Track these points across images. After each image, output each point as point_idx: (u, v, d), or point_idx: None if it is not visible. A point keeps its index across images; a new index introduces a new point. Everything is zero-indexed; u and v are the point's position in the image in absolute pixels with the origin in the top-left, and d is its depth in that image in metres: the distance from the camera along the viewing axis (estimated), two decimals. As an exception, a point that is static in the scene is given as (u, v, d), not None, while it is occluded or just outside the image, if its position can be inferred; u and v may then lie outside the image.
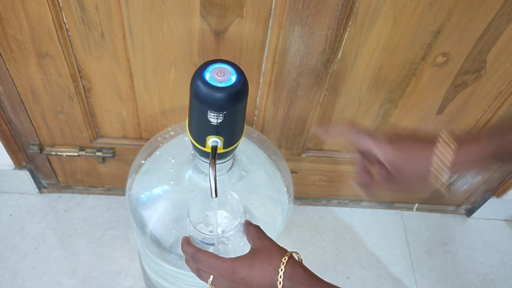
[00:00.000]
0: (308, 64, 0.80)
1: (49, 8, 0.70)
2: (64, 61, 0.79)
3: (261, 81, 0.84)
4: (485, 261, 1.18)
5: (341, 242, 1.17)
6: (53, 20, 0.72)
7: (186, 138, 0.58)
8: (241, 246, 0.57)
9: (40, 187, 1.15)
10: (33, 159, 1.07)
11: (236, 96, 0.48)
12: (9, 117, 0.94)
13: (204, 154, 0.55)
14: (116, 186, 1.16)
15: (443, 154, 0.51)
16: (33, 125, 0.95)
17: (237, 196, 0.56)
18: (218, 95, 0.47)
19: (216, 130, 0.50)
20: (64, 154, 1.02)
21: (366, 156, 0.56)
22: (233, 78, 0.48)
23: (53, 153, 1.01)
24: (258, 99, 0.89)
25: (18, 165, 1.07)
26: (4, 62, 0.80)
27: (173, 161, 0.69)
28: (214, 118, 0.49)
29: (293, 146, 1.01)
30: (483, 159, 0.51)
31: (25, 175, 1.09)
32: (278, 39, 0.75)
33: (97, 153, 1.02)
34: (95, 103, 0.90)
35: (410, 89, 0.86)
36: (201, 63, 0.49)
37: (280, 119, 0.93)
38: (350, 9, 0.70)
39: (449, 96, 0.88)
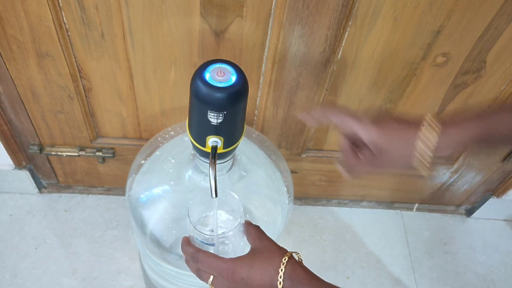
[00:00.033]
0: (308, 64, 0.80)
1: (49, 8, 0.70)
2: (64, 61, 0.79)
3: (261, 81, 0.84)
4: (485, 261, 1.18)
5: (341, 242, 1.17)
6: (53, 20, 0.72)
7: (186, 138, 0.58)
8: (241, 246, 0.57)
9: (40, 187, 1.15)
10: (33, 159, 1.07)
11: (236, 96, 0.48)
12: (9, 117, 0.94)
13: (204, 154, 0.55)
14: (116, 186, 1.16)
15: (427, 137, 0.50)
16: (33, 125, 0.95)
17: (237, 196, 0.56)
18: (218, 95, 0.47)
19: (216, 130, 0.50)
20: (64, 154, 1.01)
21: (351, 138, 0.56)
22: (233, 78, 0.48)
23: (53, 153, 1.01)
24: (258, 99, 0.89)
25: (18, 165, 1.07)
26: (4, 62, 0.80)
27: (173, 161, 0.69)
28: (214, 118, 0.49)
29: (293, 146, 1.01)
30: (467, 143, 0.51)
31: (25, 175, 1.09)
32: (278, 39, 0.75)
33: (97, 153, 1.01)
34: (95, 103, 0.90)
35: (410, 89, 0.86)
36: (201, 63, 0.49)
37: (280, 119, 0.93)
38: (350, 9, 0.70)
39: (449, 96, 0.88)
